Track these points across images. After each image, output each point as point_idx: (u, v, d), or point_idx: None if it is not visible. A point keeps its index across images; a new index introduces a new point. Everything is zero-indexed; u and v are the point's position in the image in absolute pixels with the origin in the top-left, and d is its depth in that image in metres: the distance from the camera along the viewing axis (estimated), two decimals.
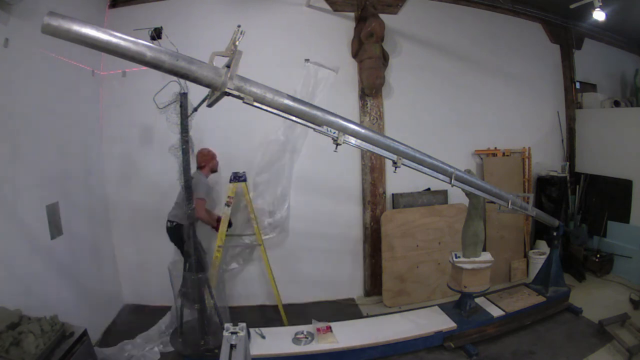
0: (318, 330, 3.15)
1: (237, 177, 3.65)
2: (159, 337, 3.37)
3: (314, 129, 2.17)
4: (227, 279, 4.10)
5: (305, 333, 3.18)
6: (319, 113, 2.14)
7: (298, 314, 3.89)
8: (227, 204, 3.57)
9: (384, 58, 4.06)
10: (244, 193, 3.71)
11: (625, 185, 4.55)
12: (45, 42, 2.89)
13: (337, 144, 2.23)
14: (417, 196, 4.35)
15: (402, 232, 4.12)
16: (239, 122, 3.83)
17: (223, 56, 1.87)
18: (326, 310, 4.00)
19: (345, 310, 4.04)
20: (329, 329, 3.18)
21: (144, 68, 1.73)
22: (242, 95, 1.89)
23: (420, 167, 2.61)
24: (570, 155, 5.20)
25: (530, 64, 4.88)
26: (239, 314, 3.57)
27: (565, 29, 5.17)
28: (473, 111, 4.63)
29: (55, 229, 2.96)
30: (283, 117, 2.07)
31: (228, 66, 1.84)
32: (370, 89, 4.07)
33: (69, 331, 2.31)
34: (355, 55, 4.12)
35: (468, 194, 3.21)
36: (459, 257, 3.37)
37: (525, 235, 4.84)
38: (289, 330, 3.25)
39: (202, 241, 3.28)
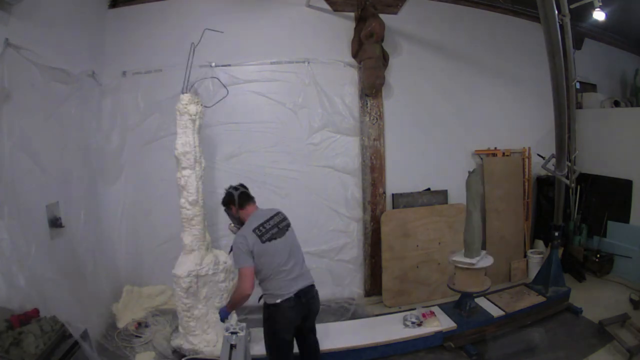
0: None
1: None
2: None
3: None
4: None
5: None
6: None
7: None
8: None
9: (384, 58, 4.05)
10: None
11: (625, 185, 4.54)
12: (45, 42, 2.92)
13: None
14: (417, 196, 4.34)
15: (402, 232, 4.12)
16: None
17: None
18: (326, 310, 3.98)
19: (345, 310, 4.03)
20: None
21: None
22: None
23: None
24: (570, 155, 5.19)
25: (530, 64, 4.87)
26: None
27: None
28: (473, 111, 4.62)
29: (55, 229, 2.96)
30: None
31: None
32: (370, 89, 4.06)
33: (69, 331, 2.31)
34: (355, 55, 4.11)
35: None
36: (459, 257, 3.37)
37: (525, 235, 4.84)
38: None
39: None
